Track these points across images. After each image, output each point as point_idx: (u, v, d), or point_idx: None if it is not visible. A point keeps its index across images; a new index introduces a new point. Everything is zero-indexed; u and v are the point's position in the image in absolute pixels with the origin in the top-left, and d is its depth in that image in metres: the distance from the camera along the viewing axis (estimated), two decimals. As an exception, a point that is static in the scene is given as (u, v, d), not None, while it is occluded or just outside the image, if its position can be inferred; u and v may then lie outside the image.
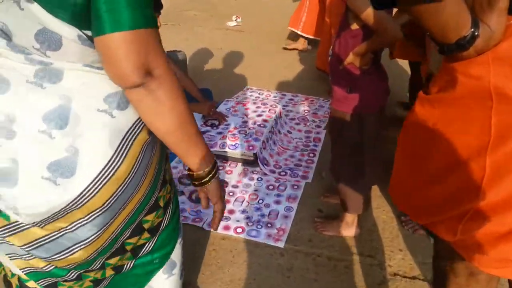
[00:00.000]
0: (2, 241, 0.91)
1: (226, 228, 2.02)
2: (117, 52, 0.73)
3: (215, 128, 2.59)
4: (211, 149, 2.44)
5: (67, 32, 0.76)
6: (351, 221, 1.96)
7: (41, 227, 0.87)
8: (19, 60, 0.77)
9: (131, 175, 0.91)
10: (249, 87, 3.67)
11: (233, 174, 2.44)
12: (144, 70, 0.76)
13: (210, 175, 0.94)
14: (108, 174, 0.86)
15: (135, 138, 0.91)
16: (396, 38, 1.51)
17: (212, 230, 1.97)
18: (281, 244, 1.92)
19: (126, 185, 0.90)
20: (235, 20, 5.50)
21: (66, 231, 0.88)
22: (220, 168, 2.49)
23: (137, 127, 0.91)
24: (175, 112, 0.83)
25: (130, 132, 0.89)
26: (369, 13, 1.45)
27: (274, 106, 2.87)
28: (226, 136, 2.50)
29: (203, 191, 0.98)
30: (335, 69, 1.74)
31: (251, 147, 2.41)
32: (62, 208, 0.83)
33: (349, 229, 1.97)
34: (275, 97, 3.47)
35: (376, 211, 2.16)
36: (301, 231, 2.02)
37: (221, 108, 2.85)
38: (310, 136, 2.85)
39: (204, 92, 3.00)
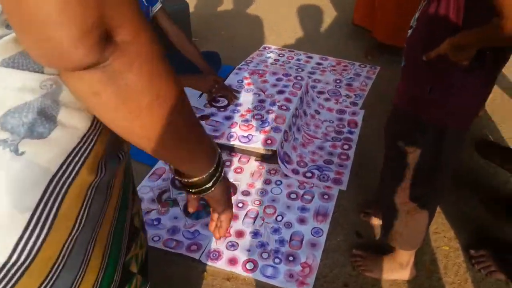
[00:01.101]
0: None
1: (233, 262, 1.50)
2: (43, 6, 0.33)
3: (222, 110, 1.99)
4: (216, 140, 1.91)
5: None
6: (406, 261, 1.42)
7: None
8: None
9: (65, 253, 0.53)
10: (266, 45, 3.00)
11: (243, 174, 1.88)
12: (99, 35, 0.37)
13: (214, 179, 0.62)
14: (17, 262, 0.47)
15: (68, 186, 0.50)
16: None
17: (215, 243, 1.48)
18: (307, 290, 1.41)
19: (58, 270, 0.52)
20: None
21: None
22: (227, 164, 1.93)
23: (73, 164, 0.50)
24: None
25: (58, 176, 0.49)
26: None
27: (300, 78, 2.23)
28: (237, 123, 1.91)
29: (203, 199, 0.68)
30: (415, 52, 1.11)
31: (269, 141, 1.82)
32: None
33: (402, 272, 1.43)
34: (298, 60, 2.80)
35: (435, 237, 1.61)
36: (334, 269, 1.49)
37: (231, 79, 2.23)
38: (344, 118, 2.23)
39: (210, 57, 2.36)
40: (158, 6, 2.06)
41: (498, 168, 1.90)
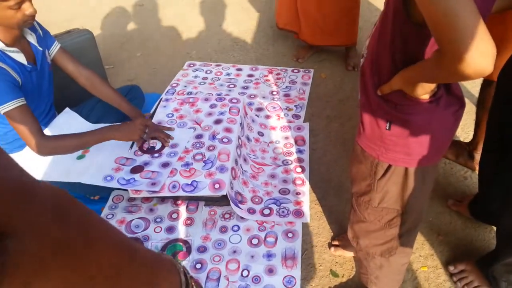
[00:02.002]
0: None
1: None
2: None
3: (156, 156, 1.74)
4: (157, 194, 1.66)
5: None
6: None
7: None
8: None
9: None
10: (191, 62, 2.75)
11: (195, 226, 1.66)
12: None
13: None
14: None
15: None
16: (480, 71, 0.69)
17: None
18: None
19: None
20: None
21: None
22: (173, 216, 1.69)
23: None
24: None
25: None
26: None
27: (235, 101, 2.03)
28: (176, 169, 1.67)
29: None
30: (368, 84, 0.95)
31: (216, 185, 1.61)
32: None
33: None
34: (228, 75, 2.59)
35: (413, 257, 1.51)
36: (317, 323, 1.34)
37: (160, 114, 1.97)
38: (289, 135, 2.07)
39: (130, 93, 2.08)
40: (56, 47, 1.75)
41: (454, 164, 1.86)
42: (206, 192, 1.59)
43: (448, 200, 1.68)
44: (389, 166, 0.98)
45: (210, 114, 1.95)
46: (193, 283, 0.49)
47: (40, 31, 1.71)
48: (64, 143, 1.55)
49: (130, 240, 0.39)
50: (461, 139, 1.98)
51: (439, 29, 0.65)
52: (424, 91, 0.86)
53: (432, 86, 0.87)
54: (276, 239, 1.58)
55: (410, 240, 1.17)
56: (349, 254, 1.51)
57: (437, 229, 1.59)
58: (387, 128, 0.94)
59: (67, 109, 1.89)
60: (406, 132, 0.92)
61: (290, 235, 1.60)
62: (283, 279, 1.45)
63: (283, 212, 1.67)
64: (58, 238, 0.30)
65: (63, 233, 0.30)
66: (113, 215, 1.72)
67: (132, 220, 1.69)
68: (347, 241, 1.52)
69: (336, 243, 1.55)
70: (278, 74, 2.56)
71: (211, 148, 1.76)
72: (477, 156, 1.77)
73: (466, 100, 2.18)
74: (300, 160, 1.93)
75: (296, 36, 2.65)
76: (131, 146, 1.76)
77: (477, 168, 1.74)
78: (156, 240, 1.61)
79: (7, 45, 1.51)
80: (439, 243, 1.54)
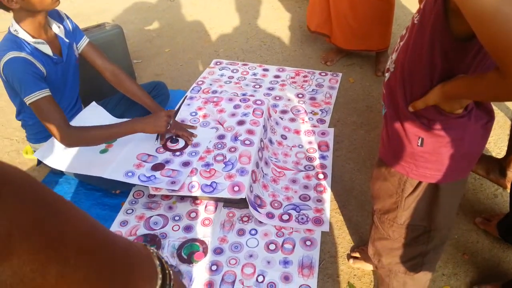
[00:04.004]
0: None
1: None
2: None
3: (177, 154, 1.73)
4: (176, 193, 1.66)
5: None
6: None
7: None
8: None
9: None
10: (218, 60, 2.74)
11: (212, 226, 1.64)
12: None
13: None
14: None
15: None
16: None
17: None
18: None
19: None
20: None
21: None
22: (192, 215, 1.68)
23: None
24: None
25: None
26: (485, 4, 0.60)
27: (259, 103, 2.01)
28: (197, 169, 1.66)
29: None
30: (397, 99, 0.91)
31: (236, 187, 1.59)
32: None
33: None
34: (254, 75, 2.57)
35: (433, 276, 1.45)
36: (332, 337, 1.31)
37: (184, 113, 1.97)
38: (313, 140, 2.03)
39: (155, 90, 2.09)
40: (84, 41, 1.76)
41: (484, 180, 1.78)
42: (225, 194, 1.58)
43: (476, 218, 1.61)
44: (419, 183, 0.94)
45: (233, 114, 1.94)
46: (168, 269, 0.47)
47: (69, 24, 1.73)
48: (90, 134, 1.57)
49: (103, 226, 0.39)
50: (494, 154, 1.90)
51: (502, 50, 0.61)
52: (461, 106, 0.83)
53: (470, 101, 0.83)
54: (294, 246, 1.55)
55: (436, 258, 1.12)
56: (369, 268, 1.47)
57: (463, 247, 1.53)
58: (419, 144, 0.90)
59: (93, 103, 1.91)
60: (439, 147, 0.88)
61: (308, 243, 1.56)
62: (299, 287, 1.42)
63: (302, 218, 1.64)
64: (25, 217, 0.29)
65: (30, 212, 0.30)
66: (132, 210, 1.72)
67: (151, 216, 1.69)
68: (367, 254, 1.47)
69: (355, 255, 1.50)
70: (305, 76, 2.52)
71: (232, 149, 1.74)
72: (510, 173, 1.69)
73: (500, 114, 2.09)
74: (322, 166, 1.89)
75: (328, 40, 2.60)
76: (156, 139, 1.76)
77: (509, 186, 1.66)
78: (173, 238, 1.60)
79: (33, 37, 1.53)
80: (464, 263, 1.48)
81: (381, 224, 1.09)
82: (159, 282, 0.44)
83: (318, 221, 1.63)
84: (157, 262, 0.45)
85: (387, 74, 0.96)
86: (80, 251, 0.33)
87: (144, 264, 0.43)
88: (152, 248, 0.47)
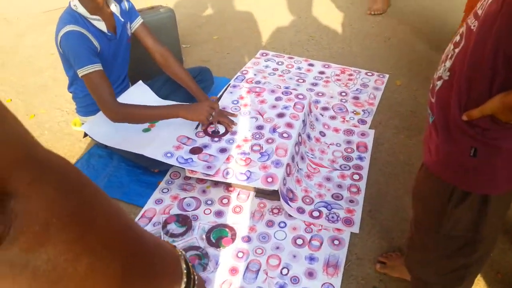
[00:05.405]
0: None
1: (233, 332, 1.31)
2: None
3: (216, 140, 1.77)
4: (210, 178, 1.70)
5: None
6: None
7: None
8: None
9: None
10: (264, 51, 2.75)
11: (243, 214, 1.67)
12: None
13: None
14: None
15: None
16: None
17: None
18: None
19: None
20: None
21: None
22: (224, 202, 1.72)
23: None
24: None
25: None
26: None
27: (301, 97, 2.00)
28: (233, 156, 1.69)
29: None
30: (450, 108, 0.89)
31: (269, 179, 1.61)
32: None
33: None
34: (299, 69, 2.56)
35: None
36: (350, 338, 1.30)
37: (226, 100, 2.00)
38: (352, 140, 2.01)
39: (200, 75, 2.13)
40: (138, 22, 1.82)
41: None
42: (258, 184, 1.60)
43: (516, 238, 1.54)
44: (468, 193, 0.92)
45: (274, 106, 1.94)
46: (194, 274, 0.48)
47: (126, 4, 1.79)
48: (136, 112, 1.63)
49: (136, 223, 0.39)
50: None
51: None
52: None
53: None
54: (321, 244, 1.55)
55: (478, 271, 1.09)
56: (397, 274, 1.44)
57: (497, 266, 1.47)
58: (472, 154, 0.87)
59: (140, 81, 1.98)
60: (494, 158, 0.86)
61: (336, 242, 1.56)
62: (322, 285, 1.42)
63: (332, 217, 1.63)
64: (63, 207, 0.29)
65: (68, 202, 0.30)
66: (168, 189, 1.78)
67: (185, 198, 1.74)
68: (395, 261, 1.45)
69: (383, 260, 1.48)
70: (350, 75, 2.49)
71: (269, 141, 1.75)
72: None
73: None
74: (359, 167, 1.86)
75: None
76: (196, 127, 1.80)
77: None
78: (204, 221, 1.65)
79: (91, 13, 1.60)
80: (497, 282, 1.42)
81: (421, 233, 1.07)
82: (183, 286, 0.44)
83: (348, 222, 1.62)
84: (184, 266, 0.45)
85: (439, 83, 0.94)
86: (112, 247, 0.33)
87: (170, 266, 0.44)
88: (181, 250, 0.48)
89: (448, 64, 0.91)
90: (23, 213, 0.27)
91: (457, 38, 0.89)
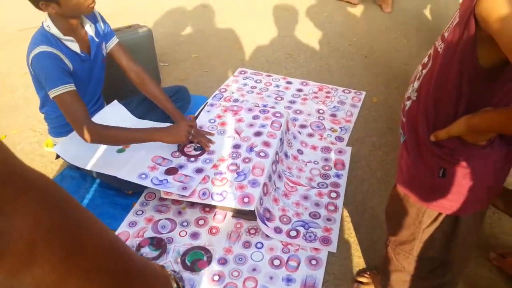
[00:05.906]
0: None
1: None
2: None
3: (192, 160, 1.74)
4: (186, 199, 1.66)
5: None
6: None
7: None
8: None
9: None
10: (242, 69, 2.76)
11: (219, 235, 1.64)
12: None
13: None
14: None
15: None
16: None
17: None
18: None
19: None
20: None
21: None
22: (200, 223, 1.68)
23: None
24: None
25: None
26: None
27: (279, 115, 2.00)
28: (209, 177, 1.67)
29: None
30: (418, 128, 0.90)
31: (246, 199, 1.59)
32: None
33: None
34: (277, 86, 2.57)
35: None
36: None
37: (202, 119, 1.98)
38: (329, 157, 2.01)
39: (177, 94, 2.11)
40: (114, 41, 1.81)
41: (502, 214, 1.71)
42: (234, 204, 1.58)
43: (490, 253, 1.55)
44: (439, 214, 0.92)
45: (251, 125, 1.94)
46: None
47: (102, 24, 1.77)
48: (112, 133, 1.59)
49: (122, 241, 0.38)
50: (515, 188, 1.83)
51: None
52: (487, 137, 0.81)
53: (495, 133, 0.81)
54: (299, 264, 1.53)
55: None
56: (374, 292, 1.43)
57: (472, 283, 1.47)
58: (440, 175, 0.88)
59: (115, 101, 1.95)
60: (462, 179, 0.86)
61: (313, 262, 1.54)
62: (299, 307, 1.40)
63: (310, 236, 1.62)
64: (49, 224, 0.28)
65: (53, 219, 0.29)
66: (142, 211, 1.74)
67: (160, 220, 1.70)
68: (373, 279, 1.44)
69: (361, 279, 1.47)
70: (328, 92, 2.51)
71: (246, 160, 1.74)
72: (531, 210, 1.62)
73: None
74: (336, 185, 1.86)
75: None
76: (177, 150, 1.78)
77: (528, 224, 1.59)
78: (179, 244, 1.61)
79: (64, 34, 1.58)
80: (474, 300, 1.42)
81: (395, 255, 1.07)
82: None
83: (326, 241, 1.61)
84: (175, 285, 0.44)
85: (408, 103, 0.95)
86: (100, 266, 0.32)
87: (160, 285, 0.42)
88: (170, 270, 0.46)
89: (416, 84, 0.92)
90: (7, 231, 0.26)
91: (425, 59, 0.90)
